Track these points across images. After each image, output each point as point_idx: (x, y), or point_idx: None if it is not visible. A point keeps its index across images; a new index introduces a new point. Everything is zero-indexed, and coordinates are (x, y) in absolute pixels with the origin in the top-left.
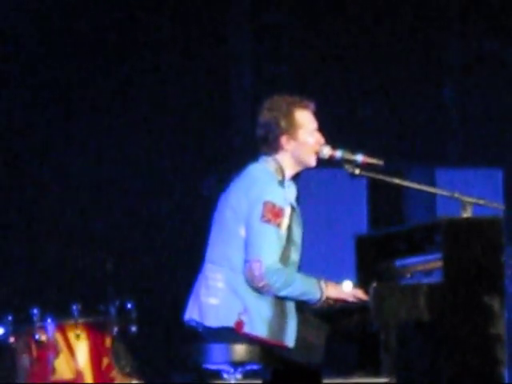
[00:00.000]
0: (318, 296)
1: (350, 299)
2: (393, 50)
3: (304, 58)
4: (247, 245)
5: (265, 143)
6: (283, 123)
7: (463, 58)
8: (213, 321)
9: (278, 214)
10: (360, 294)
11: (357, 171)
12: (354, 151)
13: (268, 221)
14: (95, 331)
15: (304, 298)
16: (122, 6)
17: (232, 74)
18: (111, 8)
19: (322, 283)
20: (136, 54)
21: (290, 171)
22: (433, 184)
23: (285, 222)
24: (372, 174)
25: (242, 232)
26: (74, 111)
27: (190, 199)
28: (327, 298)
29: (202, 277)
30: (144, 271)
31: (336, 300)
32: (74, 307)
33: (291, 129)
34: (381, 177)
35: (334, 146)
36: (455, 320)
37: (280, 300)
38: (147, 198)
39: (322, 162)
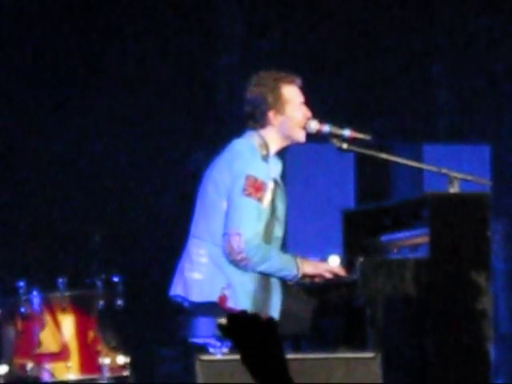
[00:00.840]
0: (294, 272)
1: (327, 275)
2: (381, 27)
3: (291, 35)
4: (227, 218)
5: (252, 119)
6: (270, 98)
7: (451, 34)
8: (197, 296)
9: (259, 188)
10: (337, 270)
11: (344, 146)
12: (342, 126)
13: (249, 194)
14: (81, 305)
15: (280, 274)
16: None
17: (221, 51)
18: None
19: (299, 260)
20: (118, 25)
21: (275, 146)
22: (420, 159)
23: (267, 196)
24: (359, 149)
25: (225, 206)
26: (58, 88)
27: (178, 174)
28: (304, 275)
29: (186, 252)
30: (130, 245)
31: (313, 276)
32: (60, 280)
33: (278, 104)
34: (368, 152)
35: (322, 121)
36: (441, 295)
37: (263, 275)
38: (134, 172)
39: (309, 137)
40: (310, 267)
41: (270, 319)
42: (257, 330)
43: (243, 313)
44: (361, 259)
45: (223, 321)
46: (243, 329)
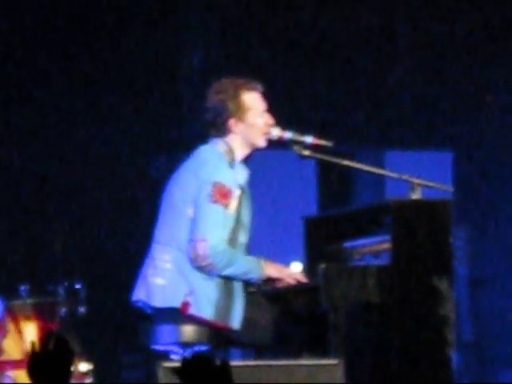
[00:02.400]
0: (258, 275)
1: (290, 281)
2: (343, 32)
3: (252, 41)
4: (193, 224)
5: (213, 127)
6: (231, 106)
7: (413, 40)
8: (159, 301)
9: (226, 194)
10: (299, 276)
11: (306, 152)
12: (304, 132)
13: (216, 201)
14: (43, 312)
15: (246, 277)
16: None
17: (181, 56)
18: None
19: (263, 263)
20: (81, 36)
21: (240, 153)
22: (382, 166)
23: (233, 203)
24: (321, 156)
25: (190, 213)
26: (16, 97)
27: (140, 180)
28: (268, 278)
29: (150, 257)
30: (93, 252)
31: (276, 280)
32: (23, 288)
33: (239, 111)
34: (330, 158)
35: (284, 127)
36: (404, 301)
37: (227, 282)
38: (97, 178)
39: (271, 143)
40: (273, 270)
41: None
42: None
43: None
44: (323, 266)
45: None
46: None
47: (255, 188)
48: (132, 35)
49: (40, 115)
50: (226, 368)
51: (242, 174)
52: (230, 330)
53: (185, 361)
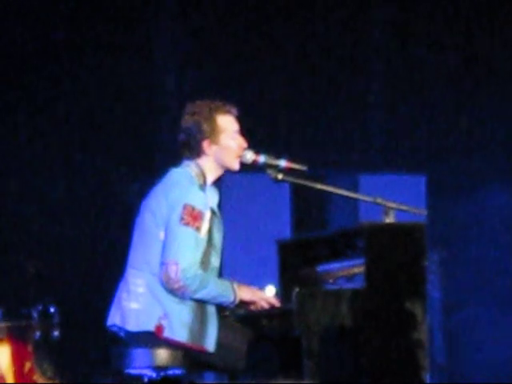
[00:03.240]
0: (231, 298)
1: (263, 303)
2: (318, 54)
3: (228, 64)
4: (165, 247)
5: (187, 148)
6: (205, 128)
7: (388, 63)
8: (134, 325)
9: (197, 217)
10: (272, 300)
11: (280, 176)
12: (278, 156)
13: (187, 224)
14: (17, 335)
15: (218, 300)
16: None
17: (156, 79)
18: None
19: (235, 286)
20: (58, 52)
21: (211, 175)
22: (356, 190)
23: (204, 225)
24: (295, 179)
25: (162, 236)
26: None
27: (114, 205)
28: (241, 302)
29: (124, 282)
30: (66, 275)
31: (249, 303)
32: None
33: (213, 133)
34: (304, 182)
35: (257, 151)
36: (377, 325)
37: (200, 305)
38: (70, 202)
39: (244, 167)
40: (246, 293)
41: None
42: None
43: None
44: (297, 289)
45: None
46: None
47: (229, 211)
48: (109, 58)
49: (31, 144)
50: None
51: (212, 197)
52: (205, 353)
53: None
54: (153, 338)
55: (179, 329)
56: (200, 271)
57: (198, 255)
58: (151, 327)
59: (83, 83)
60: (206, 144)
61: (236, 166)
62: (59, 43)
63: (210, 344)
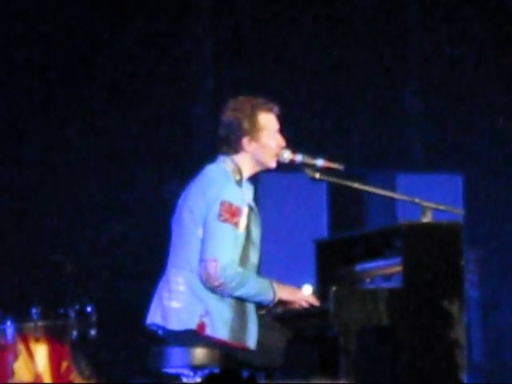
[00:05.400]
0: (271, 297)
1: (302, 303)
2: (353, 54)
3: (266, 62)
4: (203, 244)
5: (226, 143)
6: (246, 124)
7: (424, 62)
8: (175, 324)
9: (235, 213)
10: (311, 299)
11: (317, 175)
12: (315, 155)
13: (225, 220)
14: (54, 335)
15: (258, 298)
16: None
17: (193, 78)
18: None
19: (275, 285)
20: (96, 56)
21: (247, 172)
22: (393, 189)
23: (242, 221)
24: (332, 179)
25: (201, 233)
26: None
27: (152, 202)
28: (279, 301)
29: (165, 281)
30: (104, 274)
31: (287, 303)
32: (34, 310)
33: (253, 131)
34: (341, 181)
35: (295, 150)
36: (414, 325)
37: (240, 302)
38: (108, 202)
39: (282, 166)
40: (285, 293)
41: (251, 379)
42: None
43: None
44: (334, 289)
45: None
46: None
47: (267, 210)
48: (144, 60)
49: (67, 145)
50: (252, 383)
51: (249, 193)
52: (245, 350)
53: (211, 376)
54: (194, 336)
55: (220, 326)
56: (240, 269)
57: (237, 252)
58: (193, 325)
59: (121, 81)
60: (245, 141)
61: (273, 165)
62: (98, 62)
63: (252, 341)
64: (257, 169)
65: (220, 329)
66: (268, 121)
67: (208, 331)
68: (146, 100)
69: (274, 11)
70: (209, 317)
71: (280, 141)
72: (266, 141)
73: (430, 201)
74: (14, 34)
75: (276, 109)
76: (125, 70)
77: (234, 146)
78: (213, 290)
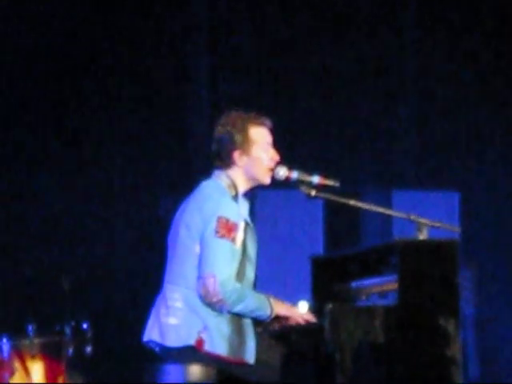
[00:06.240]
0: (268, 312)
1: (298, 320)
2: (349, 72)
3: (260, 78)
4: (201, 260)
5: (218, 157)
6: (237, 138)
7: (420, 80)
8: (173, 340)
9: (231, 228)
10: (307, 316)
11: (313, 192)
12: (311, 172)
13: (222, 236)
14: (50, 351)
15: (255, 313)
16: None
17: (189, 95)
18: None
19: (272, 300)
20: (92, 75)
21: (242, 187)
22: (389, 206)
23: (239, 236)
24: (328, 196)
25: (197, 249)
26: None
27: (147, 219)
28: (275, 316)
29: (162, 297)
30: (100, 292)
31: (284, 319)
32: (30, 327)
33: (245, 144)
34: (337, 198)
35: (291, 167)
36: (411, 342)
37: (238, 318)
38: (104, 218)
39: (278, 183)
40: (282, 309)
41: None
42: None
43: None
44: (330, 306)
45: None
46: None
47: (263, 227)
48: (141, 75)
49: (61, 164)
50: None
51: (245, 208)
52: (244, 366)
53: None
54: (193, 353)
55: (219, 342)
56: (237, 284)
57: (235, 267)
58: (192, 341)
59: (118, 99)
60: (237, 154)
61: (267, 180)
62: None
63: (250, 356)
64: (251, 184)
65: (219, 344)
66: (259, 134)
67: (207, 347)
68: (142, 116)
69: (271, 29)
70: (207, 332)
71: (273, 154)
72: (258, 154)
73: (425, 218)
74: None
75: (268, 123)
76: (122, 85)
77: (226, 160)
78: (211, 305)
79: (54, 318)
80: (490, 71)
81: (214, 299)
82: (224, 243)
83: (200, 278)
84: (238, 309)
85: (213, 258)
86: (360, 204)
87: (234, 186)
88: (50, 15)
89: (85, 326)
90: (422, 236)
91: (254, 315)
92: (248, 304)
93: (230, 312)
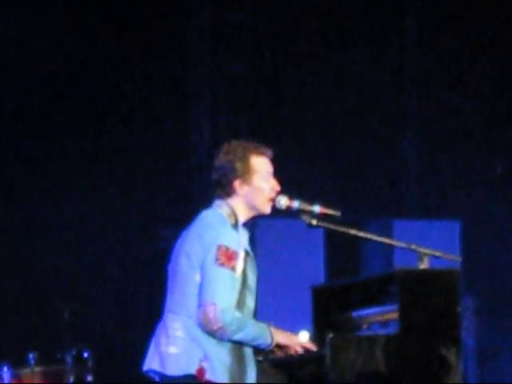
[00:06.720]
0: (268, 341)
1: (298, 349)
2: (350, 103)
3: (262, 108)
4: (201, 289)
5: (219, 186)
6: (238, 167)
7: (422, 110)
8: (174, 369)
9: (231, 257)
10: (307, 345)
11: (314, 222)
12: (312, 202)
13: (222, 264)
14: (51, 380)
15: (256, 342)
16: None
17: (191, 125)
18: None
19: (272, 329)
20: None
21: (243, 216)
22: (390, 235)
23: (239, 265)
24: (329, 225)
25: (198, 278)
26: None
27: (147, 250)
28: (276, 345)
29: (162, 326)
30: (101, 321)
31: (284, 347)
32: (31, 355)
33: (246, 173)
34: (338, 228)
35: (292, 197)
36: (412, 372)
37: (238, 347)
38: (105, 249)
39: (279, 212)
40: (282, 337)
41: None
42: None
43: None
44: (331, 335)
45: None
46: None
47: (263, 256)
48: (143, 103)
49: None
50: None
51: (244, 237)
52: None
53: None
54: (193, 382)
55: (220, 371)
56: (237, 313)
57: (235, 295)
58: (193, 370)
59: (120, 130)
60: (237, 183)
61: (267, 209)
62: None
63: None
64: (251, 213)
65: (220, 373)
66: (260, 164)
67: (208, 376)
68: (143, 149)
69: (272, 58)
70: (208, 361)
71: (274, 184)
72: (259, 184)
73: (426, 247)
74: None
75: (269, 152)
76: (121, 116)
77: (226, 189)
78: (212, 334)
79: (55, 347)
80: (492, 104)
81: (215, 327)
82: (224, 271)
83: (200, 305)
84: (238, 337)
85: (213, 286)
86: (361, 233)
87: (235, 215)
88: (57, 17)
89: (86, 354)
90: (423, 265)
91: (254, 344)
92: (248, 332)
93: (230, 340)
